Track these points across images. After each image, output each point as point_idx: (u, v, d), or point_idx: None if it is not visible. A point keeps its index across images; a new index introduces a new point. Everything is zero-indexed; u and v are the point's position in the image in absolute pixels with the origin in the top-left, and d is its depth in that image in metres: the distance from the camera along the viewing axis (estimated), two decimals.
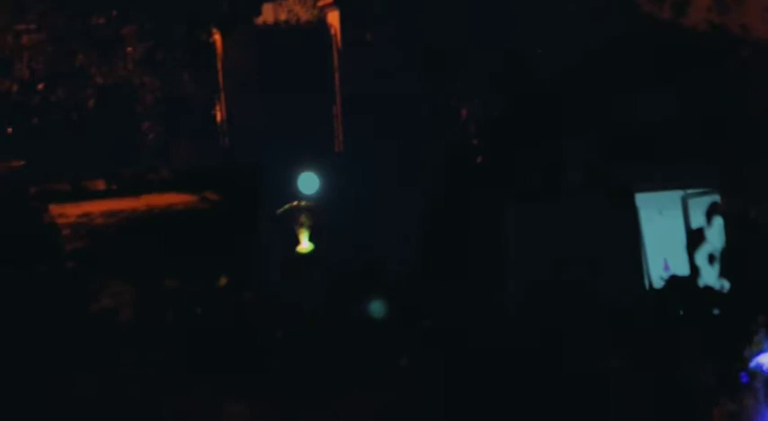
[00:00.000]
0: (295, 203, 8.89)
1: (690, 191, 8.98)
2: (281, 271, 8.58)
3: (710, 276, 7.13)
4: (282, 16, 15.40)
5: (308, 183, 9.15)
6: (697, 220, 7.64)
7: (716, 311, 6.90)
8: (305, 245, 8.86)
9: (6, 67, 14.22)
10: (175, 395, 6.24)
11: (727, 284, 7.02)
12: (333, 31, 14.85)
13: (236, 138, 14.71)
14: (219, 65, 14.85)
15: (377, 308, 7.33)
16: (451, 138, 12.57)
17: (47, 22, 14.01)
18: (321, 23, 15.15)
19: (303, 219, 8.82)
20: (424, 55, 13.38)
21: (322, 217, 8.93)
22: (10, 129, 14.28)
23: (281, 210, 8.91)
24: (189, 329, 7.10)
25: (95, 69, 14.00)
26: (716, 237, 7.34)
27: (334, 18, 14.65)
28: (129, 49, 14.23)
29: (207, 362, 6.66)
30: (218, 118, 15.48)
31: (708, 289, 7.02)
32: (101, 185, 14.81)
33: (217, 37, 14.99)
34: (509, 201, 8.83)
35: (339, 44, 14.81)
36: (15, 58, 14.21)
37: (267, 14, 15.22)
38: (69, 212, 12.69)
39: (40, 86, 13.77)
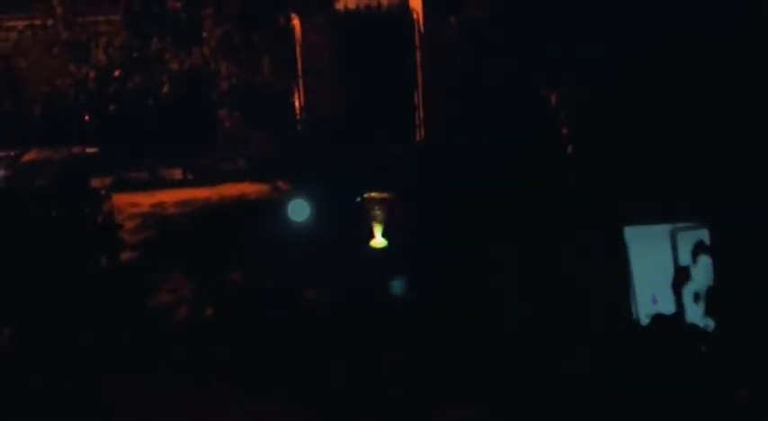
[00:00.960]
0: (373, 195, 8.25)
1: (679, 225, 8.23)
2: (354, 266, 7.94)
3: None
4: (363, 1, 14.78)
5: (298, 210, 8.85)
6: (686, 255, 7.46)
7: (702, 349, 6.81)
8: (378, 239, 8.23)
9: (84, 54, 13.92)
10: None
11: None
12: (415, 16, 14.21)
13: (314, 126, 14.13)
14: (298, 51, 14.28)
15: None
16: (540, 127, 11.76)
17: (122, 6, 13.65)
18: (404, 8, 14.46)
19: (378, 211, 8.17)
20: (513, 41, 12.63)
21: (397, 210, 8.27)
22: (87, 117, 14.00)
23: (356, 201, 8.28)
24: (251, 327, 6.48)
25: (171, 54, 13.59)
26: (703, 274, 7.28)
27: (416, 2, 14.05)
28: (206, 33, 13.77)
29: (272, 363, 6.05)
30: (297, 106, 14.94)
31: (693, 327, 6.94)
32: (177, 175, 14.52)
33: (296, 22, 14.44)
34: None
35: (422, 29, 14.19)
36: (92, 44, 13.90)
37: None
38: (143, 201, 12.37)
39: (117, 73, 13.44)
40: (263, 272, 7.52)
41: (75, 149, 13.22)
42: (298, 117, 14.70)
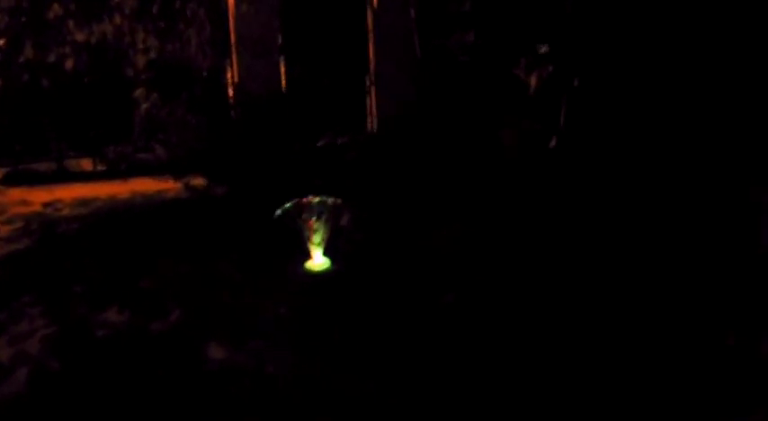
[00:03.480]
0: (311, 199, 6.21)
1: None
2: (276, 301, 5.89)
3: None
4: None
5: None
6: None
7: None
8: (317, 258, 6.24)
9: None
10: None
11: None
12: None
13: (248, 111, 12.01)
14: (231, 21, 12.14)
15: None
16: None
17: None
18: None
19: (318, 221, 6.14)
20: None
21: (346, 218, 6.29)
22: None
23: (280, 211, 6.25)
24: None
25: (75, 23, 11.32)
26: None
27: None
28: None
29: None
30: (229, 86, 12.79)
31: None
32: (87, 165, 12.32)
33: None
34: None
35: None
36: None
37: None
38: (36, 199, 10.18)
39: (2, 43, 11.11)
40: (154, 309, 5.41)
41: None
42: (229, 100, 12.57)
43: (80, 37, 11.52)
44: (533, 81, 10.18)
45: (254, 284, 5.95)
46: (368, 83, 13.34)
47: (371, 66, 13.33)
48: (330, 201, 6.17)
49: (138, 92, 12.10)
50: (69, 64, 11.58)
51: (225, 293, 5.77)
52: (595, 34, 9.67)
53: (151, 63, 12.18)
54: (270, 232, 6.49)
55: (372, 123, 13.65)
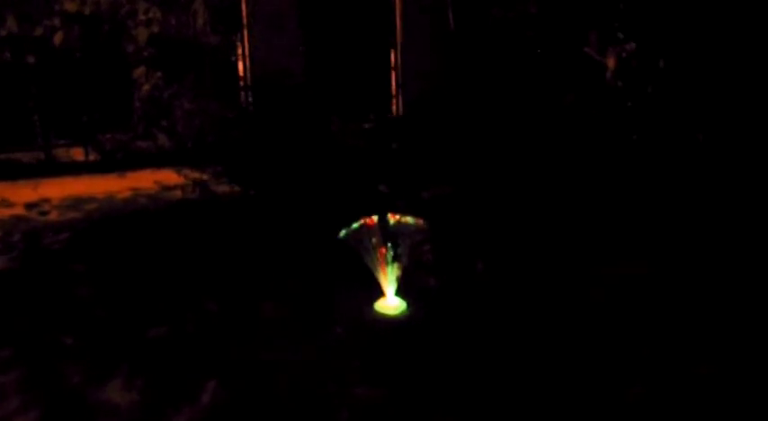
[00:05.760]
0: (374, 219, 4.64)
1: None
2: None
3: None
4: None
5: None
6: None
7: None
8: (391, 301, 4.66)
9: None
10: None
11: None
12: None
13: (262, 94, 10.48)
14: None
15: None
16: None
17: None
18: None
19: (386, 247, 4.56)
20: None
21: (425, 244, 4.70)
22: None
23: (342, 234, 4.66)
24: None
25: None
26: None
27: None
28: None
29: None
30: (240, 66, 11.22)
31: None
32: (78, 155, 10.70)
33: None
34: None
35: None
36: None
37: None
38: (18, 197, 8.63)
39: None
40: (173, 380, 3.83)
41: None
42: (240, 81, 10.99)
43: (71, 6, 9.92)
44: (611, 62, 8.59)
45: (308, 334, 4.38)
46: (393, 59, 11.84)
47: (398, 39, 11.83)
48: (411, 221, 4.60)
49: (139, 71, 10.52)
50: (58, 38, 9.96)
51: (268, 350, 4.20)
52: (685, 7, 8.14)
53: (153, 38, 10.55)
54: (323, 257, 4.93)
55: (398, 105, 12.15)
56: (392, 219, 4.59)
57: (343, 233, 4.62)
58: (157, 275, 5.51)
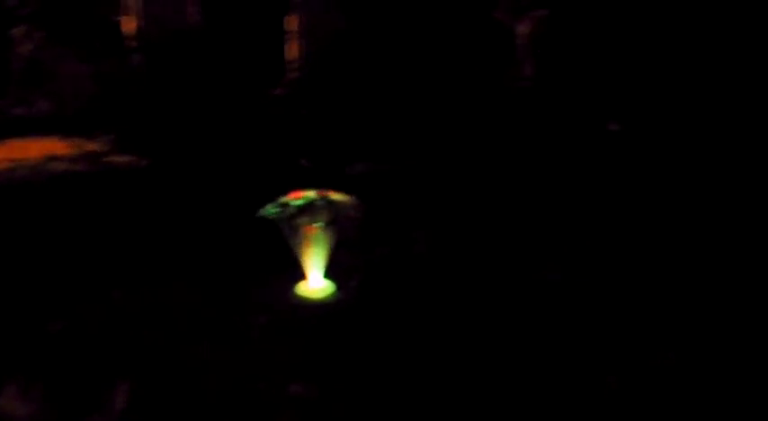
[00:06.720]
0: (300, 193, 4.21)
1: None
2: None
3: None
4: None
5: None
6: None
7: None
8: (316, 281, 4.25)
9: None
10: None
11: None
12: None
13: (153, 54, 9.83)
14: None
15: None
16: None
17: None
18: None
19: (313, 225, 4.15)
20: None
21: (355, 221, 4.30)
22: None
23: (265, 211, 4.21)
24: None
25: None
26: None
27: None
28: None
29: None
30: (126, 26, 10.39)
31: None
32: None
33: None
34: None
35: None
36: None
37: None
38: None
39: None
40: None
41: None
42: (133, 40, 10.22)
43: None
44: (522, 29, 8.37)
45: (227, 323, 3.93)
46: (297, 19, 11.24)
47: None
48: (342, 198, 4.19)
49: (17, 29, 9.58)
50: None
51: (185, 344, 3.72)
52: None
53: None
54: (237, 236, 4.48)
55: (304, 69, 11.55)
56: (320, 195, 4.17)
57: (264, 210, 4.17)
58: (50, 259, 4.89)
